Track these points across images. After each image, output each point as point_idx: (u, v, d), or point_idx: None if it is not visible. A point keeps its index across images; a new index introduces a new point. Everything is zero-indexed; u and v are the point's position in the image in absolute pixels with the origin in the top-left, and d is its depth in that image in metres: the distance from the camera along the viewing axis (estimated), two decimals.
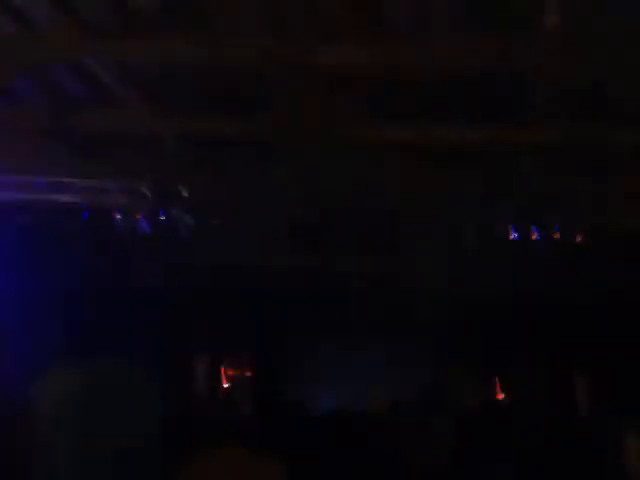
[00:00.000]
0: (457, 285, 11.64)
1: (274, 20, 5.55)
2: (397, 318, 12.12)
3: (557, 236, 10.25)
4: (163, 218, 10.04)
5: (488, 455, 6.21)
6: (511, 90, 6.62)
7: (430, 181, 8.69)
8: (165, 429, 4.97)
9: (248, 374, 11.04)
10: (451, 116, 7.06)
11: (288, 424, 6.31)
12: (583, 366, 11.77)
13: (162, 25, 5.64)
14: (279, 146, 8.12)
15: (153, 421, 5.03)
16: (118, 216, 10.12)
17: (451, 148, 7.83)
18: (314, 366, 12.21)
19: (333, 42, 5.64)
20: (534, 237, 10.33)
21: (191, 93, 7.16)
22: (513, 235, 10.24)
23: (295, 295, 11.70)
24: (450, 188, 8.88)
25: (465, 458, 6.17)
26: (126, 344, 10.19)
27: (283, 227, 10.29)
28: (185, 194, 9.63)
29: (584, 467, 5.98)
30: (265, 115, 7.23)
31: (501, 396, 11.35)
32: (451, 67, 5.95)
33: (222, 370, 11.36)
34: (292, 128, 7.26)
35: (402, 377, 11.15)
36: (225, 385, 10.92)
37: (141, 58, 6.19)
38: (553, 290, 11.69)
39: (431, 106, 6.96)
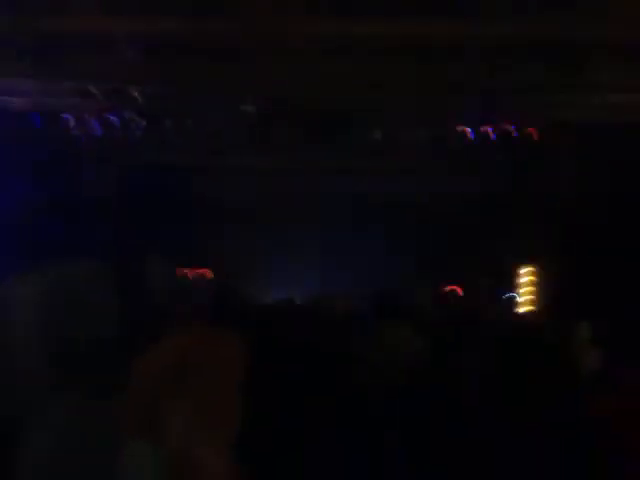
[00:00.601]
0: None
1: None
2: (350, 219, 12.20)
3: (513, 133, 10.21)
4: (114, 119, 9.93)
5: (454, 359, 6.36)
6: None
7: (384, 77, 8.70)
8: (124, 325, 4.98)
9: (205, 274, 11.11)
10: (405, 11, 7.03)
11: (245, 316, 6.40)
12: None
13: None
14: (231, 49, 8.06)
15: (112, 318, 5.05)
16: (69, 118, 9.98)
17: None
18: (270, 265, 12.27)
19: None
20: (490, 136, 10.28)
21: None
22: (470, 134, 10.20)
23: (246, 196, 11.69)
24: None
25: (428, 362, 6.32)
26: (80, 248, 10.17)
27: (235, 127, 10.21)
28: (136, 95, 9.53)
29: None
30: (217, 18, 7.16)
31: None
32: None
33: (180, 270, 11.39)
34: (244, 31, 7.20)
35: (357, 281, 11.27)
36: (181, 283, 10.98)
37: None
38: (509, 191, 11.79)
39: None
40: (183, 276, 11.18)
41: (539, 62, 8.33)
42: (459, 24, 7.29)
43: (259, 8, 7.05)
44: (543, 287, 11.74)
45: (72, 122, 9.96)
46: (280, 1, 7.01)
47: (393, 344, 5.90)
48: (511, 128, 10.08)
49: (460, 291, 10.71)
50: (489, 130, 10.13)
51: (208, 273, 10.99)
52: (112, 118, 9.93)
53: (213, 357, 3.13)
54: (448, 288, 10.76)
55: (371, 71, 8.52)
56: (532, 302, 12.00)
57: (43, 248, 9.29)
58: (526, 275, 12.04)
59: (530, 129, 10.14)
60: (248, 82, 9.00)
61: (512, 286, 11.99)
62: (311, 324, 6.20)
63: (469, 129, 10.01)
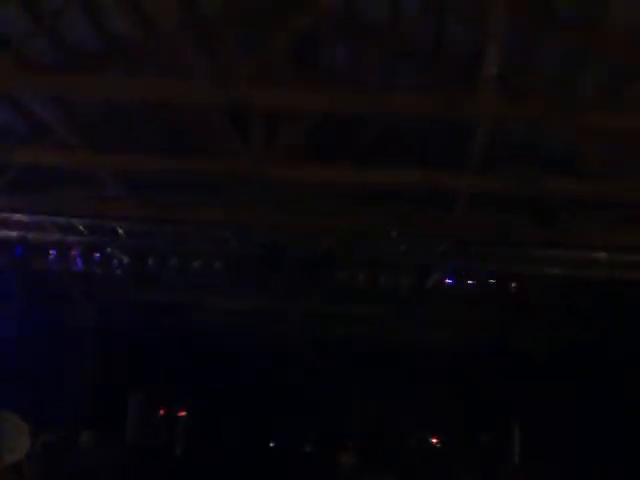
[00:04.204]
0: None
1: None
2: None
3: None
4: (98, 255, 9.90)
5: None
6: (449, 138, 6.71)
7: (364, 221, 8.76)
8: None
9: (180, 414, 10.93)
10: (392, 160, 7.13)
11: None
12: None
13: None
14: (214, 187, 8.13)
15: None
16: (52, 252, 9.95)
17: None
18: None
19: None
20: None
21: (129, 134, 7.15)
22: (449, 280, 10.16)
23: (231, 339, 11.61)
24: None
25: None
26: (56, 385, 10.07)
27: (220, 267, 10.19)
28: (120, 232, 9.56)
29: None
30: (201, 157, 7.24)
31: None
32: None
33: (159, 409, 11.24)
34: (227, 171, 7.28)
35: None
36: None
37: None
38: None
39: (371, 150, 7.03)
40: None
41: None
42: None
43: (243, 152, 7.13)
44: None
45: (55, 255, 9.94)
46: (263, 146, 7.10)
47: None
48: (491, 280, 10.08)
49: None
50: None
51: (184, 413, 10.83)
52: (96, 254, 9.91)
53: None
54: None
55: (352, 215, 8.58)
56: None
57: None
58: None
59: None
60: (233, 222, 9.04)
61: None
62: None
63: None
